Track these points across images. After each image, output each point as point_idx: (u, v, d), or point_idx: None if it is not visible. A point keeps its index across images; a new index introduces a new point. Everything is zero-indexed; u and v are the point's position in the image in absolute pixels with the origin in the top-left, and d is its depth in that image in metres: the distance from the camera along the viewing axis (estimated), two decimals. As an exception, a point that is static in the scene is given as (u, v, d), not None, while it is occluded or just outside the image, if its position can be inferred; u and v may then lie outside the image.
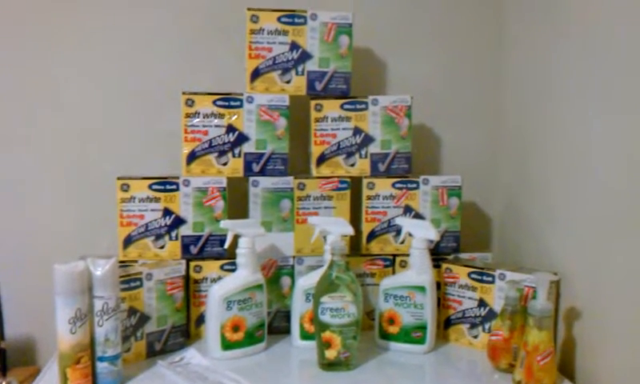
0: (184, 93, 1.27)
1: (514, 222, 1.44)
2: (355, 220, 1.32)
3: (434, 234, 1.22)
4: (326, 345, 1.14)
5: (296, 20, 1.30)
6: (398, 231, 1.32)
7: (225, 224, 1.21)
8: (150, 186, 1.25)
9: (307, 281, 1.24)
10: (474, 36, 1.50)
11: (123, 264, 1.23)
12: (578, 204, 1.14)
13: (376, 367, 1.18)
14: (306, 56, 1.31)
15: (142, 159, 1.40)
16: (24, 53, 1.37)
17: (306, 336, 1.25)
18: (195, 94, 1.27)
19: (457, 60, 1.50)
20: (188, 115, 1.27)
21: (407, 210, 1.34)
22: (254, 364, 1.18)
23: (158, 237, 1.27)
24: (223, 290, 1.18)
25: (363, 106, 1.33)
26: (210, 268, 1.28)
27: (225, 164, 1.29)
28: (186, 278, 1.26)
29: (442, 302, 1.30)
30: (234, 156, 1.29)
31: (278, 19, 1.29)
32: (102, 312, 1.02)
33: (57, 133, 1.40)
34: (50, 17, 1.37)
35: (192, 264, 1.28)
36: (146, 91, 1.41)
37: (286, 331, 1.29)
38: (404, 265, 1.33)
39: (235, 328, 1.19)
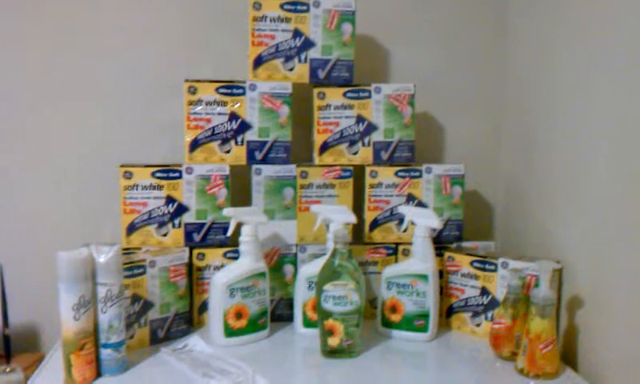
0: (186, 80, 1.27)
1: (516, 210, 1.44)
2: (358, 208, 1.32)
3: (436, 223, 1.22)
4: (329, 332, 1.15)
5: (298, 7, 1.29)
6: (401, 220, 1.32)
7: (228, 212, 1.21)
8: (152, 174, 1.25)
9: (310, 269, 1.24)
10: (477, 24, 1.49)
11: (126, 251, 1.23)
12: (581, 192, 1.13)
13: (378, 355, 1.18)
14: (308, 43, 1.30)
15: (145, 147, 1.40)
16: (26, 41, 1.37)
17: (308, 324, 1.25)
18: (198, 81, 1.27)
19: (460, 48, 1.49)
20: (191, 103, 1.27)
21: (410, 198, 1.34)
22: (257, 351, 1.18)
23: (161, 224, 1.27)
24: (226, 278, 1.19)
25: (366, 94, 1.32)
26: (213, 256, 1.28)
27: (227, 152, 1.29)
28: (189, 265, 1.27)
29: (444, 291, 1.30)
30: (236, 144, 1.29)
31: (281, 6, 1.29)
32: (105, 299, 1.03)
33: (60, 121, 1.39)
34: (52, 4, 1.37)
35: (195, 251, 1.28)
36: (149, 79, 1.41)
37: (289, 319, 1.30)
38: (406, 253, 1.33)
39: (238, 315, 1.19)
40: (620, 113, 1.02)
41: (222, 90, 1.28)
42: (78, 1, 1.38)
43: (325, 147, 1.32)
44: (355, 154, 1.33)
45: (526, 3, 1.38)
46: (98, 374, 1.04)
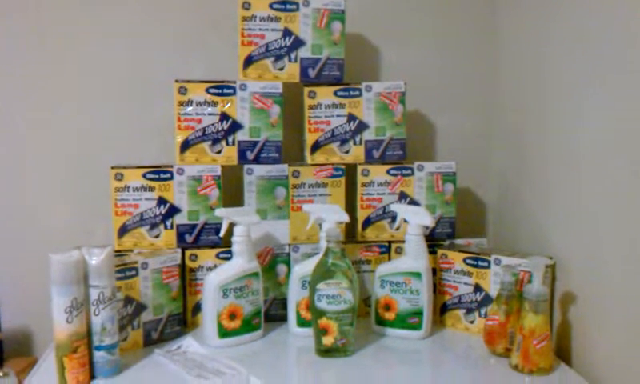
0: (177, 81, 1.27)
1: (509, 207, 1.44)
2: (350, 207, 1.32)
3: (429, 220, 1.22)
4: (323, 331, 1.15)
5: (288, 6, 1.29)
6: (394, 218, 1.32)
7: (220, 212, 1.21)
8: (144, 175, 1.25)
9: (303, 268, 1.24)
10: (468, 21, 1.50)
11: (119, 253, 1.23)
12: (573, 188, 1.14)
13: (373, 353, 1.18)
14: (298, 43, 1.30)
15: (136, 148, 1.39)
16: (18, 46, 1.36)
17: (302, 323, 1.25)
18: (188, 82, 1.27)
19: (451, 46, 1.50)
20: (181, 103, 1.27)
21: (402, 196, 1.34)
22: (251, 352, 1.18)
23: (153, 226, 1.26)
24: (219, 278, 1.18)
25: (357, 93, 1.32)
26: (206, 256, 1.28)
27: (219, 152, 1.29)
28: (182, 266, 1.26)
29: (437, 288, 1.30)
30: (227, 144, 1.29)
31: (270, 6, 1.28)
32: (98, 301, 1.02)
33: (50, 124, 1.39)
34: (43, 9, 1.36)
35: (187, 253, 1.27)
36: (139, 80, 1.41)
37: (283, 319, 1.29)
38: (400, 251, 1.33)
39: (232, 316, 1.19)
40: (611, 109, 1.02)
41: (212, 91, 1.27)
42: (71, 4, 1.37)
43: (316, 146, 1.32)
44: (347, 152, 1.33)
45: (517, 0, 1.39)
46: (92, 377, 1.03)
